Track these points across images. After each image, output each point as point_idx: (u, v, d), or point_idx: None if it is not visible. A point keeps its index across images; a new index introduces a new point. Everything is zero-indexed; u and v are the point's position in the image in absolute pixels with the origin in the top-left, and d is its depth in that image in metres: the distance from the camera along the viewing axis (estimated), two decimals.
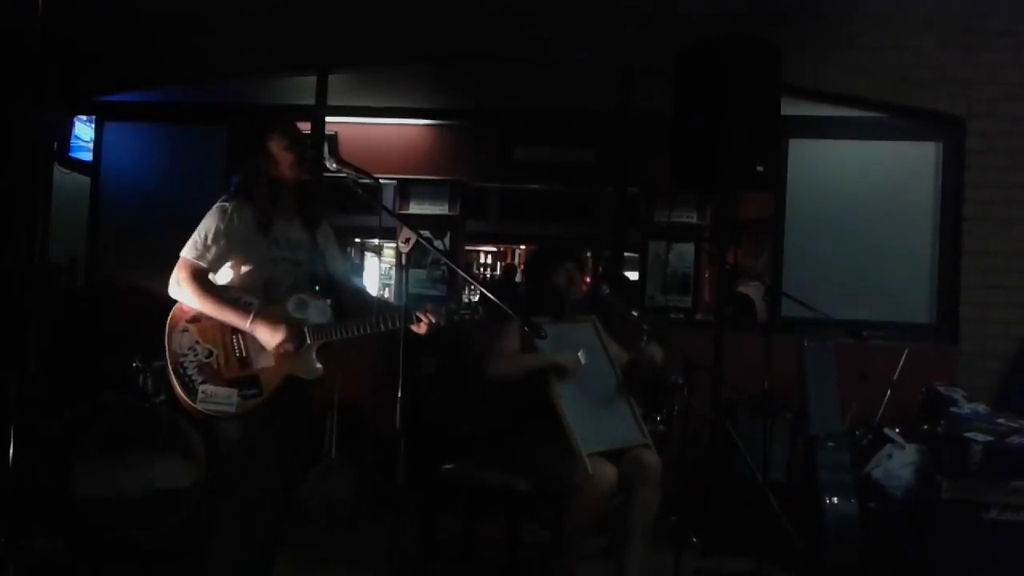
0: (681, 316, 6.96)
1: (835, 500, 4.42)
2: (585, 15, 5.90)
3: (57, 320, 5.59)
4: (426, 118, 7.54)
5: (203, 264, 3.16)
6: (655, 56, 5.34)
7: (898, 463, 4.66)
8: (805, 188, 6.01)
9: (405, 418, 3.04)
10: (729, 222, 6.23)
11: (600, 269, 9.37)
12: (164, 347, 3.16)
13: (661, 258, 7.05)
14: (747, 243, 7.17)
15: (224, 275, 3.23)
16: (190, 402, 3.12)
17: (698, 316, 7.06)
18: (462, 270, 3.81)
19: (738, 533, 4.63)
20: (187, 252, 3.16)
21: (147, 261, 3.64)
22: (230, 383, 3.14)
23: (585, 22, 5.91)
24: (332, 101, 6.33)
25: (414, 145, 7.99)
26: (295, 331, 3.17)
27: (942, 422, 4.78)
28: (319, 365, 3.25)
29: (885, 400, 5.02)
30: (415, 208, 8.31)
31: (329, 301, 3.34)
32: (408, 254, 3.10)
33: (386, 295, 10.30)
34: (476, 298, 3.31)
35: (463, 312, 3.20)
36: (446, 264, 7.70)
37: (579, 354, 3.94)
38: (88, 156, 6.56)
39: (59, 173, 6.34)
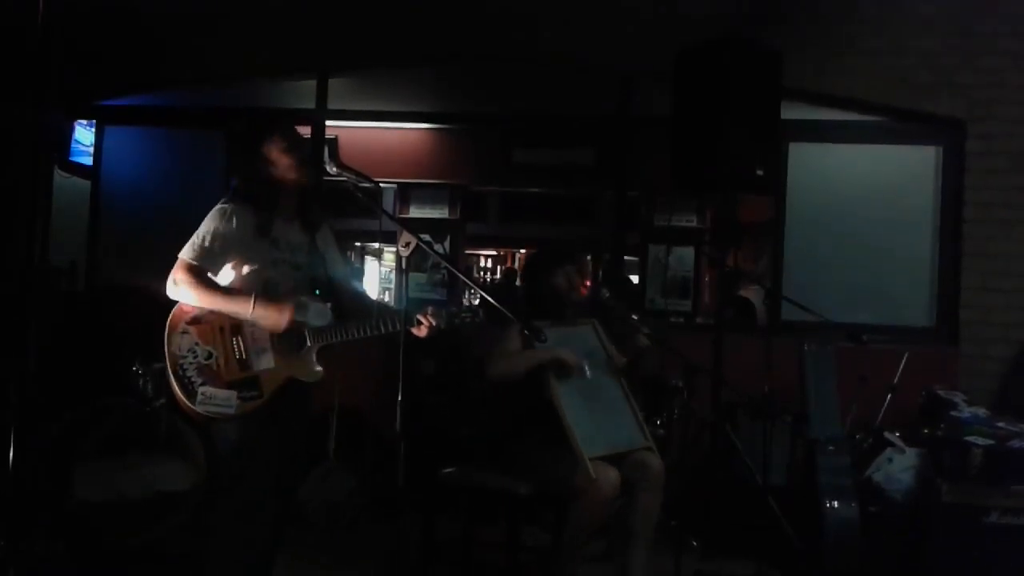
0: (681, 320, 6.96)
1: (835, 504, 4.42)
2: (585, 16, 5.90)
3: (57, 323, 5.60)
4: (426, 122, 7.55)
5: (200, 265, 3.16)
6: (655, 58, 5.34)
7: (898, 467, 4.65)
8: (805, 191, 6.01)
9: (405, 421, 3.04)
10: (729, 225, 6.23)
11: (600, 272, 9.37)
12: (163, 349, 3.17)
13: (661, 261, 7.05)
14: (747, 246, 7.18)
15: (224, 277, 3.24)
16: (189, 404, 3.12)
17: (698, 320, 7.06)
18: (462, 274, 3.81)
19: (738, 536, 4.62)
20: (185, 253, 3.16)
21: (147, 264, 3.63)
22: (230, 385, 3.14)
23: (585, 23, 5.91)
24: (332, 105, 6.34)
25: (414, 149, 8.00)
26: (297, 304, 3.17)
27: (942, 425, 4.77)
28: (319, 367, 3.26)
29: (885, 403, 5.01)
30: (415, 212, 8.32)
31: (329, 304, 3.34)
32: (408, 258, 3.10)
33: (386, 299, 10.31)
34: (476, 301, 3.30)
35: (463, 315, 3.21)
36: (446, 268, 7.70)
37: (584, 365, 3.92)
38: (88, 160, 6.56)
39: (59, 177, 6.35)
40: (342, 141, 7.04)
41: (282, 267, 3.27)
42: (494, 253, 12.16)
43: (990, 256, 5.70)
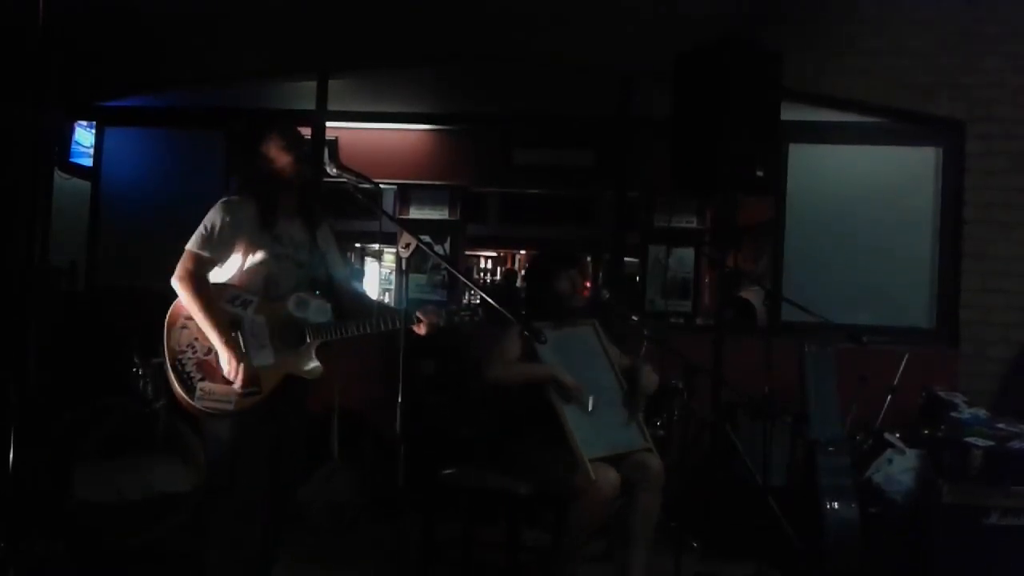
0: (681, 320, 6.96)
1: (835, 505, 4.41)
2: (585, 16, 5.90)
3: (57, 323, 5.60)
4: (426, 122, 7.55)
5: (207, 255, 3.17)
6: (655, 58, 5.34)
7: (898, 468, 4.65)
8: (805, 192, 6.01)
9: (405, 422, 3.04)
10: (729, 226, 6.23)
11: (600, 273, 9.38)
12: (162, 344, 3.16)
13: (661, 262, 7.06)
14: (747, 247, 7.18)
15: (227, 271, 3.24)
16: (188, 399, 3.12)
17: (698, 320, 7.06)
18: (462, 275, 3.81)
19: (738, 537, 4.62)
20: (191, 244, 3.17)
21: (147, 265, 3.65)
22: (228, 381, 3.14)
23: (585, 23, 5.91)
24: (332, 106, 6.34)
25: (414, 149, 8.00)
26: (252, 372, 3.15)
27: (942, 426, 4.77)
28: (318, 364, 3.26)
29: (885, 404, 5.01)
30: (415, 213, 8.34)
31: (329, 304, 3.34)
32: (408, 259, 3.10)
33: (386, 300, 10.31)
34: (477, 301, 3.31)
35: (463, 313, 3.21)
36: (446, 269, 7.71)
37: (588, 399, 3.87)
38: (88, 161, 6.56)
39: (60, 178, 6.35)
40: (342, 142, 7.04)
41: (285, 263, 3.28)
42: (494, 254, 12.16)
43: (990, 257, 5.70)
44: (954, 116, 5.77)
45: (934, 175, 5.95)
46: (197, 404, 3.12)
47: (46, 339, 4.41)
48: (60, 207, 6.24)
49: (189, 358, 3.15)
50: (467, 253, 10.19)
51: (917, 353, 5.22)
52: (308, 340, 3.23)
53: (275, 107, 6.58)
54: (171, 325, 3.18)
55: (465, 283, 3.60)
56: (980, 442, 4.43)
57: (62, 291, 6.27)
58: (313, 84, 6.29)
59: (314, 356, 3.25)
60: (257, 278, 3.23)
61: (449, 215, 8.39)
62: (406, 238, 3.08)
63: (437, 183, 8.21)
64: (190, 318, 3.16)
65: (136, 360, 4.76)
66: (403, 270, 3.14)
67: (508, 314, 3.23)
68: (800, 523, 4.46)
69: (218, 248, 3.18)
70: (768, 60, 4.85)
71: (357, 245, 9.95)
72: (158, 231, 4.15)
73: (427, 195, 8.35)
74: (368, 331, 3.22)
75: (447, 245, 8.29)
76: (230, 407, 3.13)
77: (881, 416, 5.01)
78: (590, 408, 3.87)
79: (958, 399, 5.05)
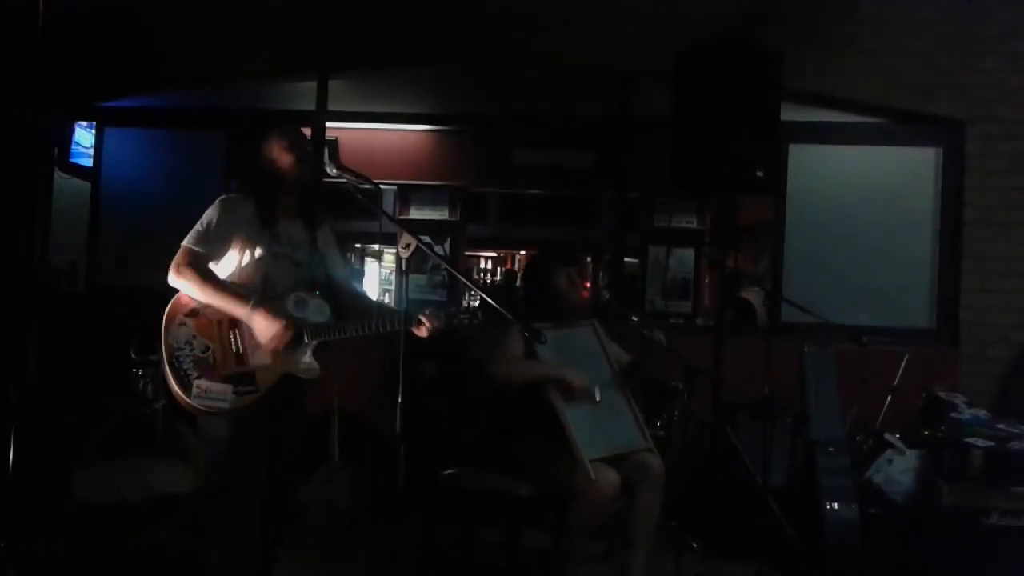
0: (681, 321, 6.96)
1: (835, 505, 4.41)
2: (584, 16, 5.90)
3: (57, 324, 5.59)
4: (426, 123, 7.55)
5: (203, 250, 3.17)
6: (655, 58, 5.35)
7: (898, 468, 4.66)
8: (805, 193, 6.01)
9: (405, 423, 3.04)
10: (729, 226, 6.23)
11: (601, 274, 9.38)
12: (160, 341, 3.16)
13: (661, 263, 7.06)
14: (747, 247, 7.19)
15: (224, 269, 3.24)
16: (184, 396, 3.12)
17: (698, 321, 7.06)
18: (462, 275, 3.81)
19: (738, 537, 4.62)
20: (188, 240, 3.18)
21: (147, 265, 3.64)
22: (226, 379, 3.14)
23: (585, 23, 5.92)
24: (332, 106, 6.34)
25: (414, 150, 8.00)
26: (294, 327, 3.17)
27: (943, 427, 4.77)
28: (316, 364, 3.26)
29: (885, 405, 5.01)
30: (415, 213, 8.33)
31: (328, 304, 3.34)
32: (408, 259, 3.10)
33: (386, 300, 10.31)
34: (476, 303, 3.31)
35: (463, 316, 3.21)
36: (446, 269, 7.71)
37: (595, 390, 3.89)
38: (88, 162, 6.56)
39: (60, 178, 6.35)
40: (342, 142, 7.04)
41: (283, 262, 3.28)
42: (494, 254, 12.15)
43: (990, 257, 5.70)
44: (954, 116, 5.77)
45: (934, 175, 5.95)
46: (194, 402, 3.12)
47: (46, 339, 4.40)
48: (60, 207, 6.24)
49: (187, 355, 3.14)
50: (467, 253, 10.19)
51: (917, 354, 5.22)
52: (306, 340, 3.23)
53: (275, 107, 6.58)
54: (169, 322, 3.18)
55: (465, 283, 3.60)
56: (980, 443, 4.43)
57: (62, 291, 6.27)
58: (313, 84, 6.29)
59: (312, 356, 3.25)
60: (255, 276, 3.23)
61: (449, 215, 8.38)
62: (406, 238, 3.08)
63: (437, 183, 8.21)
64: (188, 316, 3.17)
65: (135, 358, 4.75)
66: (403, 270, 3.15)
67: (508, 314, 3.23)
68: (800, 524, 4.45)
69: (213, 244, 3.18)
70: (768, 60, 4.84)
71: (357, 245, 9.94)
72: (158, 232, 4.13)
73: (427, 195, 8.35)
74: (367, 332, 3.22)
75: (447, 245, 8.29)
76: (226, 405, 3.13)
77: (881, 417, 5.01)
78: (598, 398, 3.87)
79: (958, 400, 5.05)
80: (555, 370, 3.85)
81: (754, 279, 6.37)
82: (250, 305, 3.13)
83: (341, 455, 5.10)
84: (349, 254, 9.62)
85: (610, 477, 3.70)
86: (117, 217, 6.51)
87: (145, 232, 6.16)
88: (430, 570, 4.14)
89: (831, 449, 4.54)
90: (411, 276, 7.79)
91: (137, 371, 4.76)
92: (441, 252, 7.90)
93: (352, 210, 5.01)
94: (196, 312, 3.17)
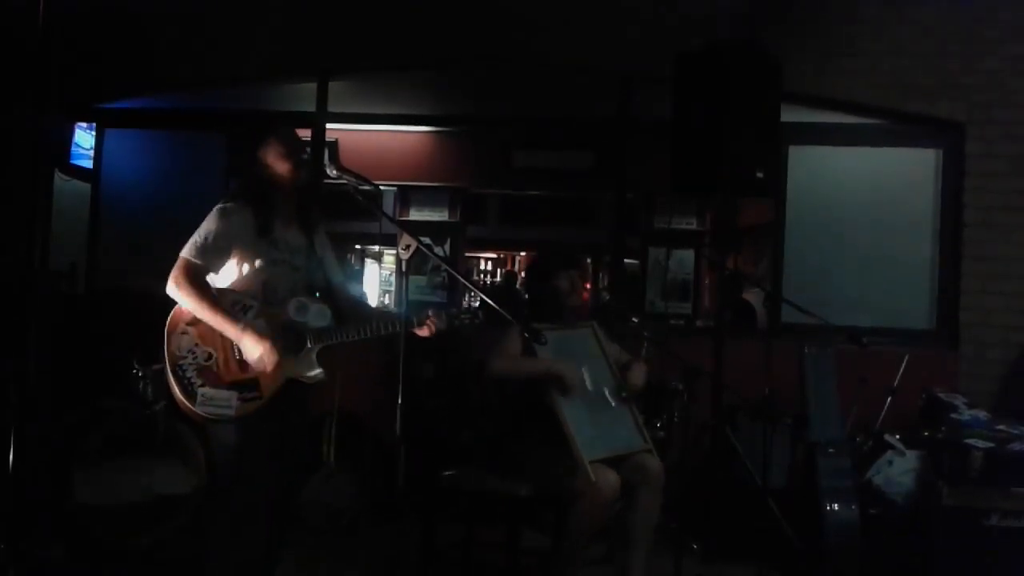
0: (681, 322, 6.96)
1: (836, 506, 4.41)
2: (584, 17, 5.90)
3: (57, 325, 5.59)
4: (426, 124, 7.56)
5: (201, 263, 3.17)
6: (655, 59, 5.35)
7: (898, 469, 4.65)
8: (805, 194, 6.01)
9: (405, 424, 3.04)
10: (729, 228, 6.23)
11: (601, 275, 9.38)
12: (163, 350, 3.16)
13: (661, 264, 7.06)
14: (747, 249, 7.19)
15: (224, 277, 3.24)
16: (189, 405, 3.12)
17: (698, 322, 7.06)
18: (462, 276, 3.81)
19: (738, 539, 4.62)
20: (186, 252, 3.17)
21: (147, 267, 3.64)
22: (230, 386, 3.14)
23: (585, 24, 5.92)
24: (333, 108, 6.34)
25: (414, 151, 8.00)
26: (281, 345, 3.16)
27: (943, 428, 4.77)
28: (319, 369, 3.26)
29: (885, 406, 5.01)
30: (415, 214, 8.34)
31: (329, 308, 3.34)
32: (408, 260, 3.10)
33: (387, 301, 10.31)
34: (476, 303, 3.31)
35: (464, 316, 3.21)
36: (446, 270, 7.71)
37: (583, 370, 3.92)
38: (88, 163, 6.56)
39: (60, 180, 6.35)
40: (342, 144, 7.04)
41: (281, 268, 3.28)
42: (494, 256, 12.16)
43: (990, 259, 5.69)
44: (954, 118, 5.77)
45: (934, 177, 5.95)
46: (199, 410, 3.12)
47: (46, 341, 4.40)
48: (60, 209, 6.24)
49: (190, 364, 3.15)
50: (467, 255, 10.20)
51: (917, 355, 5.22)
52: (309, 344, 3.23)
53: (275, 109, 6.58)
54: (171, 331, 3.18)
55: (465, 284, 3.60)
56: (980, 444, 4.43)
57: (62, 293, 6.27)
58: (313, 86, 6.29)
59: (315, 361, 3.25)
60: (255, 284, 3.24)
61: (449, 217, 8.39)
62: (406, 239, 3.08)
63: (437, 185, 8.21)
64: (191, 324, 3.17)
65: (136, 364, 4.76)
66: (403, 271, 3.14)
67: (508, 315, 3.23)
68: (800, 525, 4.46)
69: (211, 256, 3.19)
70: (768, 61, 4.85)
71: (357, 247, 9.95)
72: (158, 233, 4.15)
73: (427, 197, 8.35)
74: (369, 335, 3.23)
75: (447, 247, 8.29)
76: (231, 412, 3.13)
77: (881, 418, 5.00)
78: (589, 387, 3.88)
79: (958, 401, 5.05)
80: (549, 366, 3.85)
81: (754, 280, 6.37)
82: (240, 327, 3.13)
83: (341, 456, 5.09)
84: (349, 255, 9.62)
85: (610, 478, 3.70)
86: (117, 219, 6.51)
87: (145, 234, 6.17)
88: (430, 571, 4.14)
89: (831, 450, 4.54)
90: (411, 277, 7.74)
91: (137, 372, 4.76)
92: (441, 253, 7.91)
93: (352, 211, 5.00)
94: (197, 320, 3.17)
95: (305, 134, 5.90)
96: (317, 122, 6.31)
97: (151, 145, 6.69)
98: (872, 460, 4.74)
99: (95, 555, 4.52)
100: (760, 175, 4.74)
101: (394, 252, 3.53)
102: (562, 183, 8.19)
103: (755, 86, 4.75)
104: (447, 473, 4.10)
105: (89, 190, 6.55)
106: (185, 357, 3.15)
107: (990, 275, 5.68)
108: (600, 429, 3.89)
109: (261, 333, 3.14)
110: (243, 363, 3.17)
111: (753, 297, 6.76)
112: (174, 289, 3.15)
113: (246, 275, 3.23)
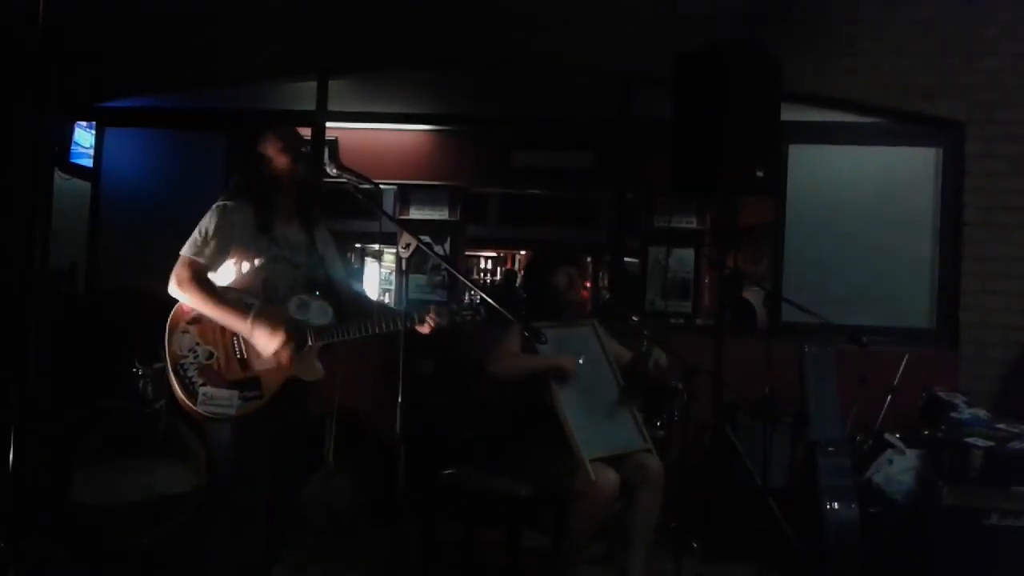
0: (681, 321, 6.96)
1: (836, 505, 4.41)
2: (584, 17, 5.90)
3: (57, 325, 5.59)
4: (426, 123, 7.55)
5: (202, 261, 3.16)
6: (655, 59, 5.35)
7: (899, 468, 4.65)
8: (805, 193, 6.01)
9: (405, 423, 3.04)
10: (729, 227, 6.23)
11: (600, 275, 9.38)
12: (164, 349, 3.16)
13: (661, 263, 7.06)
14: (747, 248, 7.19)
15: (224, 275, 3.24)
16: (191, 404, 3.12)
17: (698, 321, 7.06)
18: (462, 275, 3.81)
19: (738, 538, 4.62)
20: (186, 250, 3.17)
21: (147, 266, 3.64)
22: (231, 385, 3.14)
23: (584, 24, 5.91)
24: (332, 106, 6.33)
25: (414, 150, 8.00)
26: (294, 336, 3.17)
27: (943, 427, 4.77)
28: (320, 367, 3.26)
29: (885, 405, 5.01)
30: (415, 213, 8.35)
31: (330, 306, 3.34)
32: (408, 259, 3.10)
33: (386, 300, 10.32)
34: (478, 299, 3.31)
35: (465, 312, 3.21)
36: (446, 269, 7.71)
37: (580, 362, 3.93)
38: (88, 162, 6.56)
39: (59, 179, 6.34)
40: (342, 143, 7.04)
41: (281, 265, 3.28)
42: (494, 255, 12.17)
43: (990, 258, 5.69)
44: (954, 117, 5.77)
45: (934, 176, 5.94)
46: (200, 409, 3.12)
47: (46, 341, 4.41)
48: (60, 208, 6.24)
49: (191, 363, 3.14)
50: (467, 254, 10.21)
51: (917, 354, 5.22)
52: (310, 342, 3.23)
53: (275, 108, 6.58)
54: (172, 330, 3.17)
55: (465, 283, 3.59)
56: (980, 443, 4.43)
57: (62, 292, 6.26)
58: (313, 85, 6.29)
59: (316, 358, 3.25)
60: (255, 282, 3.23)
61: (449, 216, 8.40)
62: (406, 238, 3.08)
63: (437, 184, 8.22)
64: (191, 323, 3.16)
65: (136, 363, 4.76)
66: (403, 270, 3.15)
67: (508, 314, 3.23)
68: (800, 524, 4.46)
69: (212, 255, 3.18)
70: (768, 61, 4.84)
71: (357, 245, 9.96)
72: (158, 232, 4.14)
73: (427, 196, 8.36)
74: (370, 332, 3.22)
75: (447, 245, 8.30)
76: (232, 411, 3.13)
77: (881, 417, 5.00)
78: (580, 361, 3.91)
79: (958, 400, 5.04)
80: (548, 360, 3.86)
81: (754, 279, 6.37)
82: (249, 321, 3.12)
83: (341, 456, 5.09)
84: (349, 254, 9.63)
85: (610, 477, 3.70)
86: (117, 218, 6.51)
87: (145, 233, 6.16)
88: (430, 570, 4.15)
89: (831, 449, 4.54)
90: (411, 276, 7.80)
91: (137, 372, 4.76)
92: (441, 252, 7.91)
93: (352, 210, 5.02)
94: (198, 319, 3.17)
95: (305, 133, 5.90)
96: (317, 121, 6.30)
97: (151, 144, 6.69)
98: (872, 459, 4.74)
99: (95, 555, 4.52)
100: (760, 174, 4.74)
101: (394, 251, 3.54)
102: (562, 183, 8.19)
103: (755, 86, 4.75)
104: (447, 472, 4.10)
105: (89, 189, 6.54)
106: (186, 356, 3.15)
107: (990, 275, 5.68)
108: (600, 428, 3.89)
109: (273, 325, 3.13)
110: (244, 362, 3.17)
111: (753, 296, 6.75)
112: (176, 288, 3.14)
113: (246, 273, 3.23)
